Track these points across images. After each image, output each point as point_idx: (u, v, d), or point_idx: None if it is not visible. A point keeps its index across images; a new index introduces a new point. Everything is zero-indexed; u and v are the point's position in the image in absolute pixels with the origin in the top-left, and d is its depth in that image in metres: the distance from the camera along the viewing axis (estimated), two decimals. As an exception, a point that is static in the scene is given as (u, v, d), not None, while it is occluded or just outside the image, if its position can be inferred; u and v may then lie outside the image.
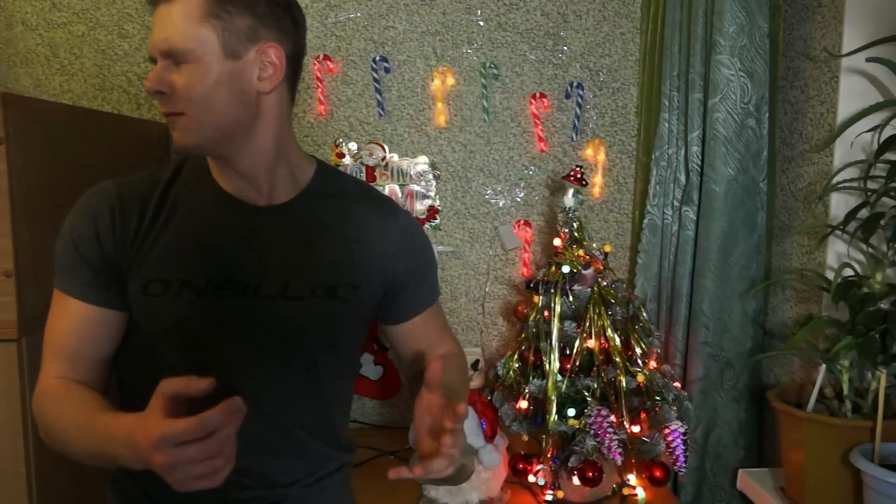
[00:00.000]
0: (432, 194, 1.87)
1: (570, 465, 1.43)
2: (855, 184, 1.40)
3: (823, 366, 1.29)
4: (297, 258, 0.99)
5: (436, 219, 1.88)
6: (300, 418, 1.02)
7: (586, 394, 1.48)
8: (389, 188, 1.84)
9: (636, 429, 1.46)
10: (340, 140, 1.84)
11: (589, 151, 1.91)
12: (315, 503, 1.06)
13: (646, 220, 1.80)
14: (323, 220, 1.02)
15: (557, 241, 1.62)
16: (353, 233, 1.04)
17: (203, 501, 0.92)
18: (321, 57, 1.82)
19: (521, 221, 1.91)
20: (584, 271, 1.57)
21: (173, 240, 0.96)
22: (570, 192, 1.66)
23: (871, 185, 1.34)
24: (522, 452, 1.52)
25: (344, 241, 1.03)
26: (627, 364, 1.51)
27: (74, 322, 0.95)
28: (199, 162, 1.02)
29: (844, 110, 1.42)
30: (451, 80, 1.85)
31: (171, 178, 1.01)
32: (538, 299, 1.59)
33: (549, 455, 1.49)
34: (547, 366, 1.51)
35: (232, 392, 0.76)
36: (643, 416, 1.48)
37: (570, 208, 1.64)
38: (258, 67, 0.93)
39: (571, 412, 1.47)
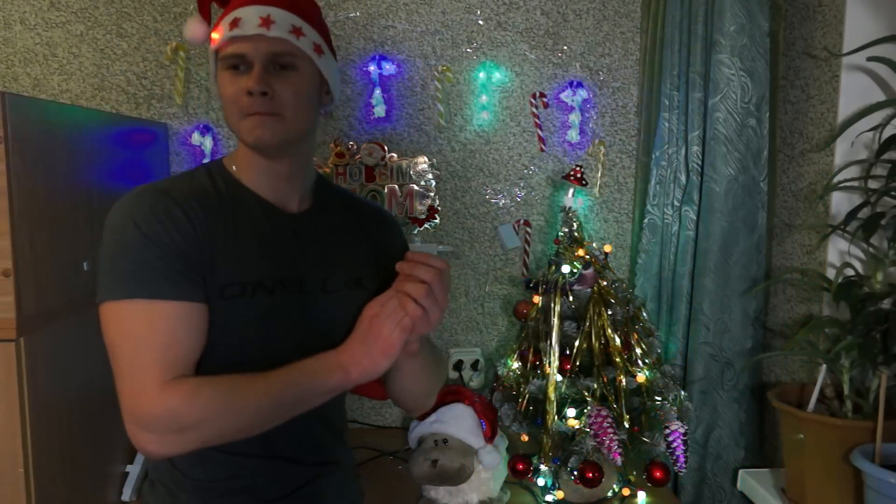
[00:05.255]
0: (432, 194, 1.86)
1: (570, 465, 1.43)
2: (856, 183, 1.39)
3: (824, 366, 1.28)
4: (328, 257, 1.09)
5: (436, 218, 1.87)
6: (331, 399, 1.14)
7: (586, 394, 1.47)
8: (389, 188, 1.84)
9: (636, 429, 1.46)
10: (340, 139, 1.83)
11: (589, 151, 1.90)
12: (336, 482, 1.13)
13: (646, 220, 1.80)
14: (337, 221, 1.13)
15: (557, 242, 1.62)
16: (360, 230, 1.16)
17: (251, 483, 1.02)
18: (321, 56, 1.81)
19: (521, 221, 1.91)
20: (584, 271, 1.56)
21: (238, 243, 0.99)
22: (570, 191, 1.66)
23: (872, 184, 1.33)
24: (522, 453, 1.51)
25: (356, 238, 1.14)
26: (627, 364, 1.51)
27: (173, 326, 0.91)
28: (223, 171, 1.05)
29: (845, 109, 1.42)
30: (450, 80, 1.85)
31: (210, 185, 1.02)
32: (538, 299, 1.59)
33: (549, 455, 1.49)
34: (547, 366, 1.50)
35: None
36: (643, 416, 1.48)
37: (570, 208, 1.64)
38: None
39: (571, 412, 1.47)
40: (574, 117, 1.88)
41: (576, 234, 1.62)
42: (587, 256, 1.59)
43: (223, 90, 1.00)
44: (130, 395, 0.89)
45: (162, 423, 0.89)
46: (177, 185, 1.00)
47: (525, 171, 1.90)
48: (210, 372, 0.95)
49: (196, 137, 1.82)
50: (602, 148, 1.90)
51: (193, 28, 1.09)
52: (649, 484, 1.47)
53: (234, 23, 0.97)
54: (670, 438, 1.45)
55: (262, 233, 1.02)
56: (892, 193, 1.27)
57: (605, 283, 1.57)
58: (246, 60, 0.98)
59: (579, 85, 1.87)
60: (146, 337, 0.90)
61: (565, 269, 1.56)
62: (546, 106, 1.88)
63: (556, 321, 1.52)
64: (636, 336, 1.55)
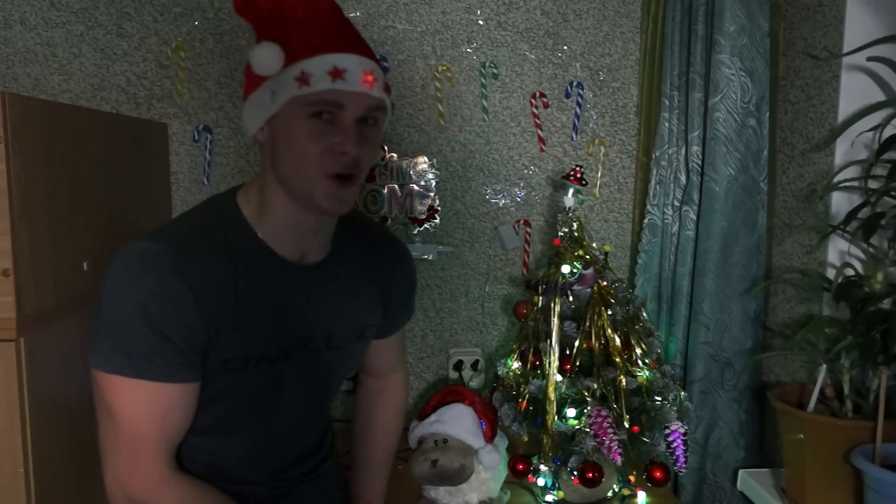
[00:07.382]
0: (432, 194, 1.86)
1: (570, 465, 1.42)
2: (856, 183, 1.39)
3: (824, 366, 1.28)
4: (336, 311, 1.07)
5: (436, 218, 1.87)
6: (318, 428, 1.17)
7: (586, 394, 1.47)
8: (389, 188, 1.84)
9: (636, 429, 1.46)
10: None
11: (589, 151, 1.90)
12: (321, 483, 1.18)
13: (646, 220, 1.80)
14: (351, 270, 1.10)
15: (557, 241, 1.62)
16: (372, 278, 1.13)
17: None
18: (321, 56, 1.81)
19: (521, 221, 1.91)
20: (584, 271, 1.56)
21: (247, 314, 0.96)
22: (570, 191, 1.66)
23: (872, 184, 1.33)
24: (522, 453, 1.51)
25: (367, 287, 1.12)
26: (627, 364, 1.50)
27: (164, 407, 0.92)
28: (238, 221, 0.99)
29: (845, 109, 1.42)
30: (450, 80, 1.85)
31: (223, 242, 0.96)
32: (538, 299, 1.59)
33: (549, 455, 1.49)
34: (547, 366, 1.50)
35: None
36: (643, 416, 1.48)
37: (570, 208, 1.64)
38: None
39: (571, 412, 1.47)
40: (574, 117, 1.88)
41: (576, 234, 1.62)
42: (587, 256, 1.59)
43: (303, 140, 0.91)
44: (126, 468, 0.93)
45: None
46: (188, 244, 0.93)
47: (525, 171, 1.90)
48: (209, 424, 0.99)
49: (196, 137, 1.82)
50: (602, 148, 1.90)
51: (274, 58, 0.91)
52: (649, 484, 1.47)
53: (338, 73, 0.90)
54: (670, 438, 1.45)
55: (272, 296, 0.99)
56: (892, 193, 1.27)
57: (605, 283, 1.57)
58: (342, 111, 0.91)
59: (579, 85, 1.87)
60: (144, 417, 0.92)
61: (565, 269, 1.56)
62: (546, 106, 1.88)
63: (556, 321, 1.52)
64: (636, 336, 1.55)
